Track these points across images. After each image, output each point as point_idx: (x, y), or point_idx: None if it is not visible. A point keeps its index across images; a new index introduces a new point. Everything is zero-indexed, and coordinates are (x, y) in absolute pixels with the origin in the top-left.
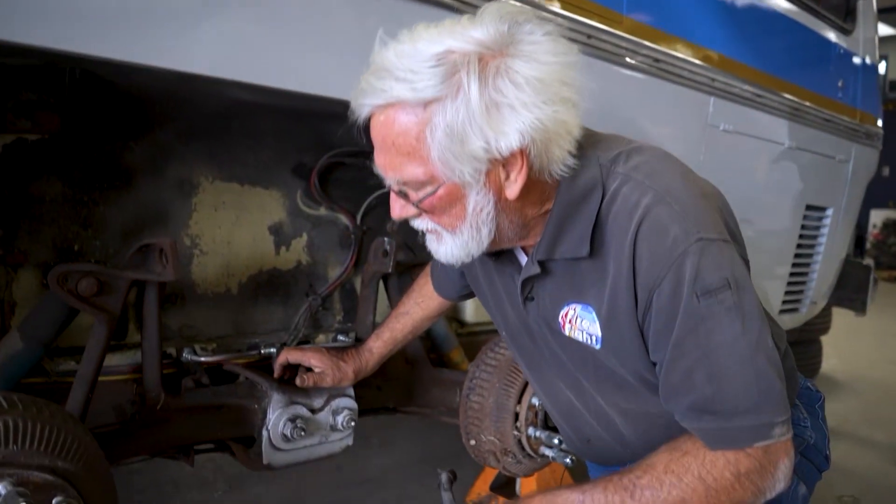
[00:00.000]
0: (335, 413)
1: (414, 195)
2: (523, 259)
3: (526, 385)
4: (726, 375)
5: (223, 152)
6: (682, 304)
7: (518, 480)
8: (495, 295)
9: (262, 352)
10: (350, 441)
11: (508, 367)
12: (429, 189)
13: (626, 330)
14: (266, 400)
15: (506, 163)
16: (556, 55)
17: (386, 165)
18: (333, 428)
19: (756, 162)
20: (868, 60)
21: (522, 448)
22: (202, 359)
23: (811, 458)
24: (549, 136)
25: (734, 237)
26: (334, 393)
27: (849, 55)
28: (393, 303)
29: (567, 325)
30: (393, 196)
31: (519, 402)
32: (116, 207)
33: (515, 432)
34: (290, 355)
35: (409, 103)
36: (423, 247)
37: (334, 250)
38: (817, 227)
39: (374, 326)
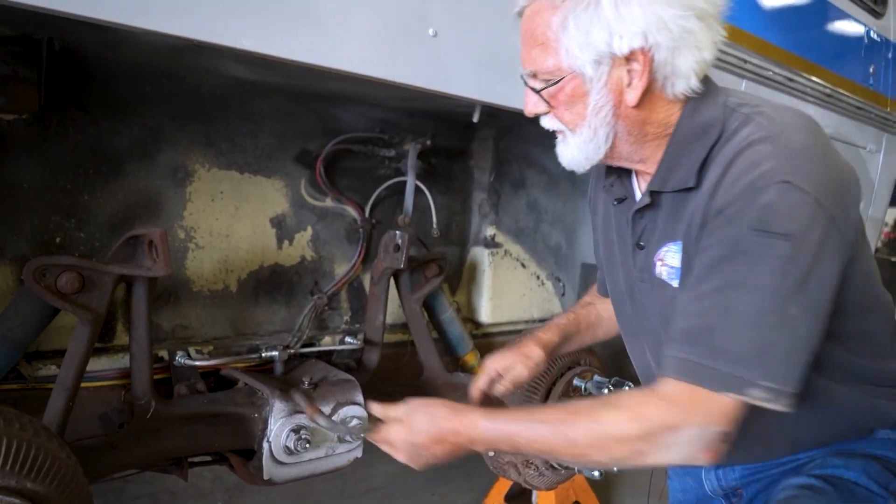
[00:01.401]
0: (343, 423)
1: (542, 86)
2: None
3: (550, 390)
4: (737, 315)
5: (220, 137)
6: (735, 231)
7: (535, 493)
8: (610, 249)
9: (263, 355)
10: (359, 453)
11: None
12: (555, 80)
13: (693, 258)
14: (267, 408)
15: (629, 66)
16: None
17: (525, 57)
18: (341, 439)
19: None
20: None
21: (546, 459)
22: (197, 363)
23: None
24: (674, 45)
25: (844, 216)
26: (342, 401)
27: (880, 40)
28: (404, 301)
29: (658, 265)
30: (527, 92)
31: None
32: (103, 196)
33: None
34: (493, 366)
35: None
36: (436, 241)
37: (341, 245)
38: None
39: (385, 327)
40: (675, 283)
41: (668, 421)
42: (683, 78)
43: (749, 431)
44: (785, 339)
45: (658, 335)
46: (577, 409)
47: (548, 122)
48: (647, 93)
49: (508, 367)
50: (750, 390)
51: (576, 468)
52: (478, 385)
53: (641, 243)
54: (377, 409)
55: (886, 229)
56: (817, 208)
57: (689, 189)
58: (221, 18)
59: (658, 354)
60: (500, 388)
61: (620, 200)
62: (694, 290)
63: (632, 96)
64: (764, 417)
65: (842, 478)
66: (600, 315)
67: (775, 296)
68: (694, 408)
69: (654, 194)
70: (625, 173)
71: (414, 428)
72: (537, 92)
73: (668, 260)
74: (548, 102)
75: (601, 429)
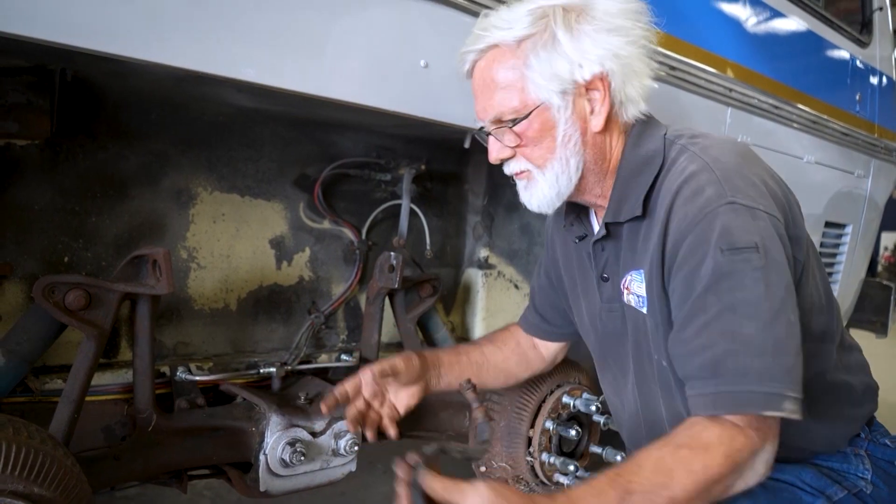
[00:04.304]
0: (337, 437)
1: (511, 124)
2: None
3: (540, 408)
4: (742, 334)
5: (222, 162)
6: (707, 258)
7: None
8: (573, 287)
9: (261, 371)
10: (353, 467)
11: (520, 389)
12: (523, 116)
13: (657, 289)
14: (264, 422)
15: (589, 94)
16: (627, 3)
17: (485, 107)
18: (335, 453)
19: None
20: (885, 75)
21: (536, 475)
22: (197, 378)
23: None
24: (623, 71)
25: (792, 224)
26: (336, 416)
27: (866, 69)
28: (399, 320)
29: (625, 293)
30: (490, 142)
31: (532, 425)
32: (109, 218)
33: (528, 458)
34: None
35: (506, 43)
36: (431, 262)
37: (338, 265)
38: (836, 245)
39: (380, 345)
40: (644, 310)
41: (751, 449)
42: (634, 103)
43: None
44: (789, 344)
45: (627, 360)
46: (664, 467)
47: (514, 166)
48: (608, 119)
49: (387, 366)
50: (785, 404)
51: (565, 483)
52: (353, 381)
53: (605, 275)
54: (441, 486)
55: (887, 253)
56: (767, 217)
57: (640, 218)
58: (224, 51)
59: (631, 379)
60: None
61: (581, 238)
62: (691, 325)
63: (597, 122)
64: None
65: (776, 479)
66: (486, 357)
67: (768, 305)
68: (758, 433)
69: (609, 226)
70: (583, 211)
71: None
72: (510, 128)
73: (634, 288)
74: (516, 141)
75: (699, 478)
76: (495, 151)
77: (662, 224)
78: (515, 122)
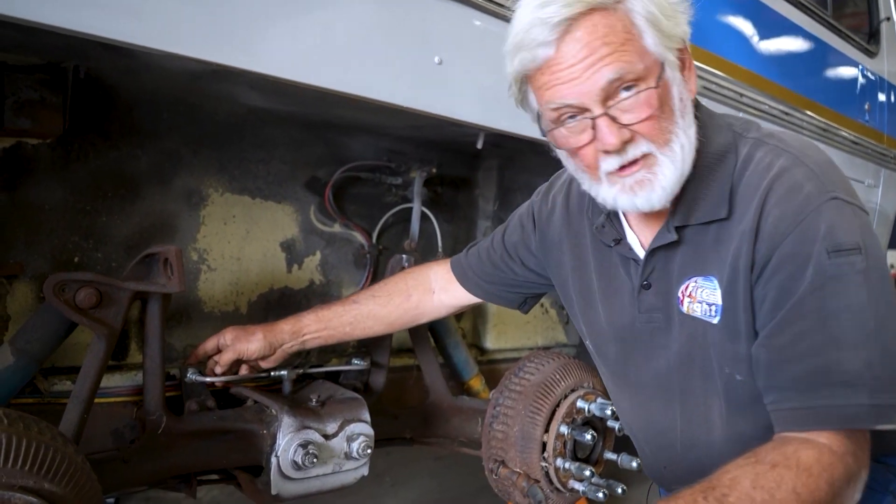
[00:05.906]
0: (350, 439)
1: (632, 95)
2: (638, 250)
3: (554, 412)
4: (848, 343)
5: (234, 163)
6: (811, 260)
7: None
8: (586, 293)
9: (272, 374)
10: (366, 471)
11: (535, 393)
12: (650, 81)
13: (743, 297)
14: (275, 424)
15: (682, 53)
16: None
17: (594, 81)
18: (348, 456)
19: None
20: (894, 85)
21: (550, 481)
22: (207, 380)
23: None
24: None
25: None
26: (349, 418)
27: (874, 78)
28: None
29: (686, 300)
30: (605, 124)
31: (546, 430)
32: (120, 218)
33: (543, 464)
34: (207, 344)
35: (606, 4)
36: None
37: (349, 269)
38: None
39: (391, 350)
40: (715, 321)
41: (848, 477)
42: (694, 80)
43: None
44: None
45: (665, 374)
46: (764, 484)
47: (633, 151)
48: None
49: (231, 346)
50: None
51: (581, 490)
52: (204, 346)
53: (648, 283)
54: None
55: (893, 271)
56: (862, 214)
57: (715, 221)
58: (239, 44)
59: (670, 395)
60: (214, 360)
61: (617, 241)
62: (786, 331)
63: (692, 83)
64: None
65: None
66: (360, 317)
67: (873, 311)
68: (854, 458)
69: (678, 230)
70: (613, 214)
71: None
72: (633, 97)
73: (702, 296)
74: (642, 114)
75: (806, 500)
76: (614, 136)
77: (752, 225)
78: (643, 89)
